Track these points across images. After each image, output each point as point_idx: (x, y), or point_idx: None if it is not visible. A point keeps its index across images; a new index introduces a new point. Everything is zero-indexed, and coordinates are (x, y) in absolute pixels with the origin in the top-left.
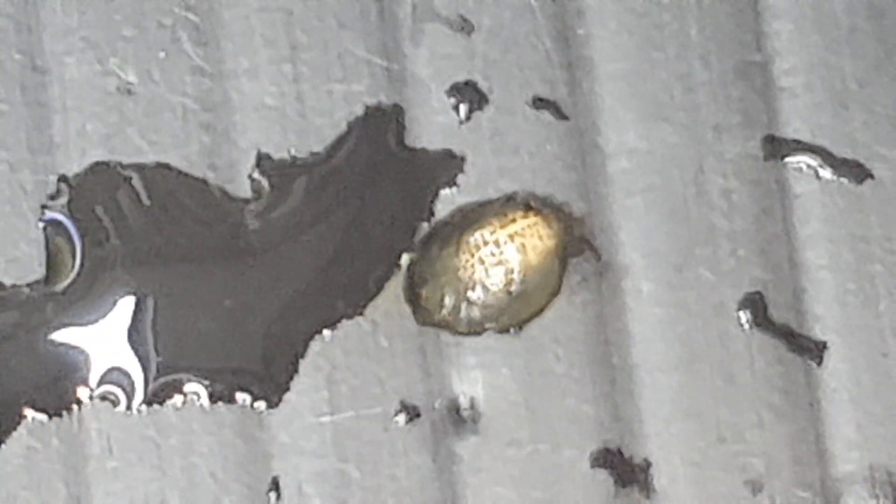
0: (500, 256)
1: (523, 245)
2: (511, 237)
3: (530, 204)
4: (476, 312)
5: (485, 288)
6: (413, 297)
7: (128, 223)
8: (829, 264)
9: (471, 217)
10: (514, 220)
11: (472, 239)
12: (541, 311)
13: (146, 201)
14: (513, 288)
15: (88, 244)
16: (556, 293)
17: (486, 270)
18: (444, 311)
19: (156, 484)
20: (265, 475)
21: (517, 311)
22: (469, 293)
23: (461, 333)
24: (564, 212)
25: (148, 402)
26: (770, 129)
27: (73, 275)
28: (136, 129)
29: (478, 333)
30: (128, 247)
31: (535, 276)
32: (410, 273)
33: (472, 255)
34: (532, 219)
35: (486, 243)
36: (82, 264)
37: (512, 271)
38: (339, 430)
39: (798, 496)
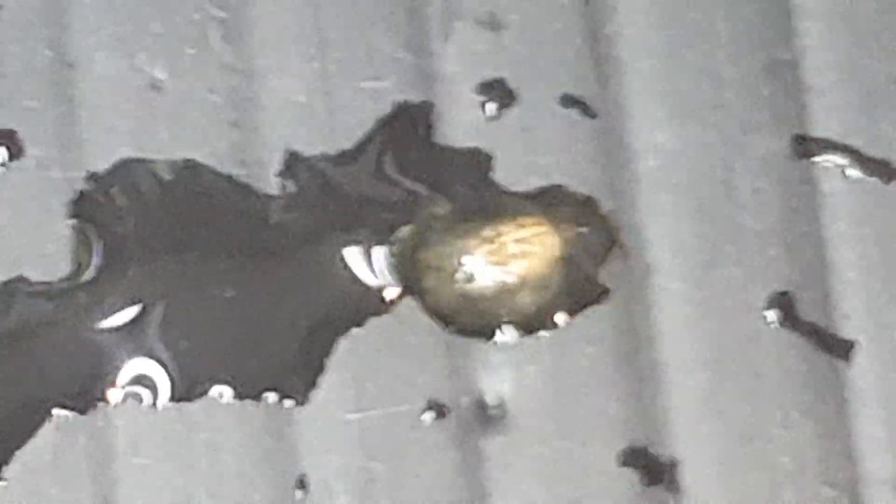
0: (499, 256)
1: (525, 252)
2: (517, 242)
3: (545, 211)
4: (457, 297)
5: (471, 278)
6: (403, 264)
7: (151, 218)
8: (857, 263)
9: (484, 208)
10: (523, 226)
11: (479, 229)
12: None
13: (171, 197)
14: (502, 288)
15: (110, 241)
16: (548, 303)
17: (482, 263)
18: (431, 281)
19: (183, 481)
20: (292, 472)
21: (494, 311)
22: (456, 275)
23: (435, 309)
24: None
25: (175, 399)
26: (799, 128)
27: (93, 271)
28: (164, 125)
29: (449, 320)
30: (150, 243)
31: (528, 284)
32: (408, 244)
33: (474, 245)
34: (542, 228)
35: (490, 239)
36: (103, 261)
37: (506, 273)
38: (367, 427)
39: (825, 495)
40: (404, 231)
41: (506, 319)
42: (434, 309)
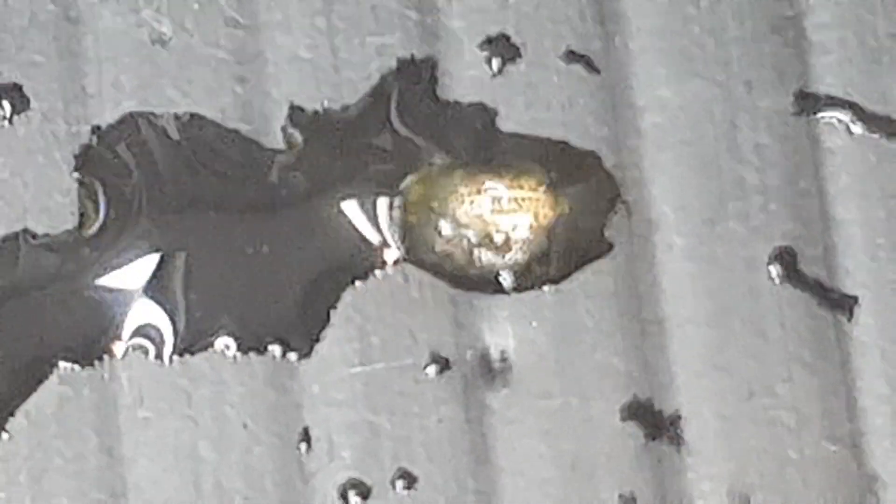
0: (492, 212)
1: (521, 209)
2: (514, 199)
3: (545, 178)
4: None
5: (458, 225)
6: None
7: (157, 172)
8: (859, 219)
9: (486, 163)
10: (521, 187)
11: (478, 181)
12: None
13: (177, 151)
14: (483, 245)
15: (115, 195)
16: (527, 269)
17: (471, 214)
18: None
19: (187, 433)
20: (296, 425)
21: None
22: (441, 222)
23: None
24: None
25: (179, 352)
26: (802, 85)
27: (98, 225)
28: (169, 80)
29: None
30: (156, 197)
31: (520, 241)
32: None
33: (468, 195)
34: (538, 194)
35: (486, 191)
36: (108, 215)
37: (494, 229)
38: (370, 381)
39: (827, 450)
40: (405, 182)
41: (500, 270)
42: (430, 261)
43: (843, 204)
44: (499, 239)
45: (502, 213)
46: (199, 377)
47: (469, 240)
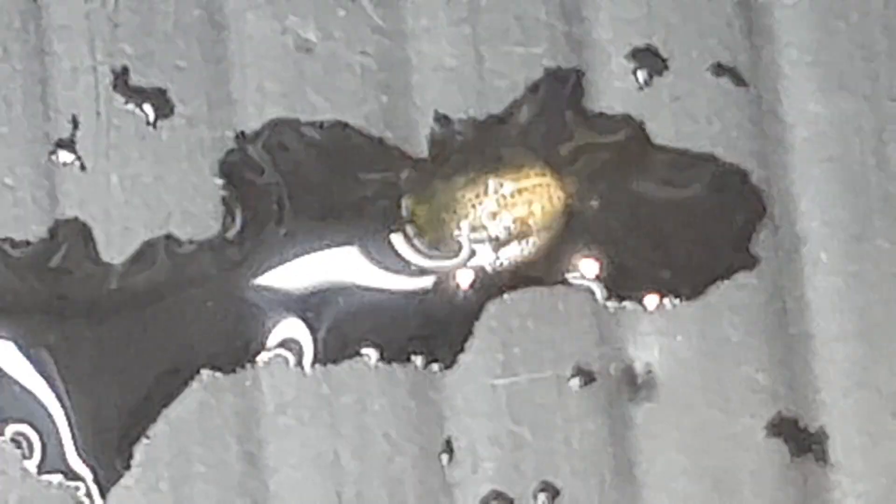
0: (502, 207)
1: (530, 202)
2: (520, 192)
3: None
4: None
5: (474, 227)
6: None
7: (299, 179)
8: None
9: (489, 160)
10: (527, 176)
11: (484, 179)
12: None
13: (321, 156)
14: (501, 239)
15: (258, 201)
16: (549, 256)
17: (483, 213)
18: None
19: (328, 442)
20: (438, 436)
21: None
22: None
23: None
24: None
25: (321, 361)
26: None
27: (241, 231)
28: (313, 87)
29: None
30: (299, 204)
31: (530, 232)
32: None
33: (477, 196)
34: (545, 179)
35: (494, 190)
36: (250, 221)
37: (508, 224)
38: (514, 392)
39: None
40: (409, 200)
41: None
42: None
43: None
44: (515, 230)
45: (513, 207)
46: (341, 386)
47: (495, 239)
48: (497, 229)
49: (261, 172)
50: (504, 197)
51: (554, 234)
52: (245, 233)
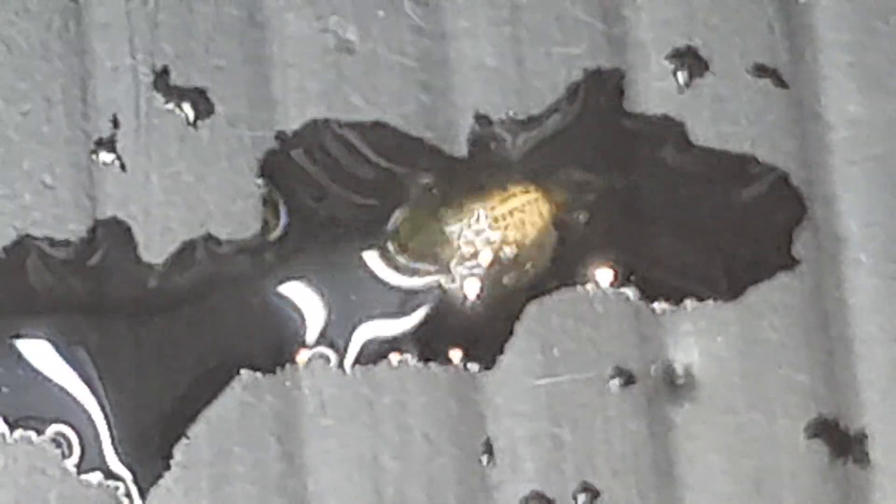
0: (495, 231)
1: (523, 221)
2: (511, 213)
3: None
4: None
5: (472, 255)
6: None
7: (339, 180)
8: None
9: (476, 187)
10: (514, 195)
11: (472, 209)
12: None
13: (364, 157)
14: (502, 260)
15: (298, 201)
16: (544, 266)
17: (479, 242)
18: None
19: (369, 442)
20: (478, 437)
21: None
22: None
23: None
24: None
25: (361, 361)
26: None
27: (281, 231)
28: (353, 87)
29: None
30: (338, 205)
31: (528, 252)
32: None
33: (469, 226)
34: (532, 195)
35: (484, 217)
36: (291, 221)
37: (503, 246)
38: (554, 393)
39: None
40: (397, 219)
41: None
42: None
43: None
44: (510, 252)
45: (504, 228)
46: (381, 386)
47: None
48: (492, 255)
49: (301, 172)
50: (496, 220)
51: (549, 246)
52: (285, 233)
